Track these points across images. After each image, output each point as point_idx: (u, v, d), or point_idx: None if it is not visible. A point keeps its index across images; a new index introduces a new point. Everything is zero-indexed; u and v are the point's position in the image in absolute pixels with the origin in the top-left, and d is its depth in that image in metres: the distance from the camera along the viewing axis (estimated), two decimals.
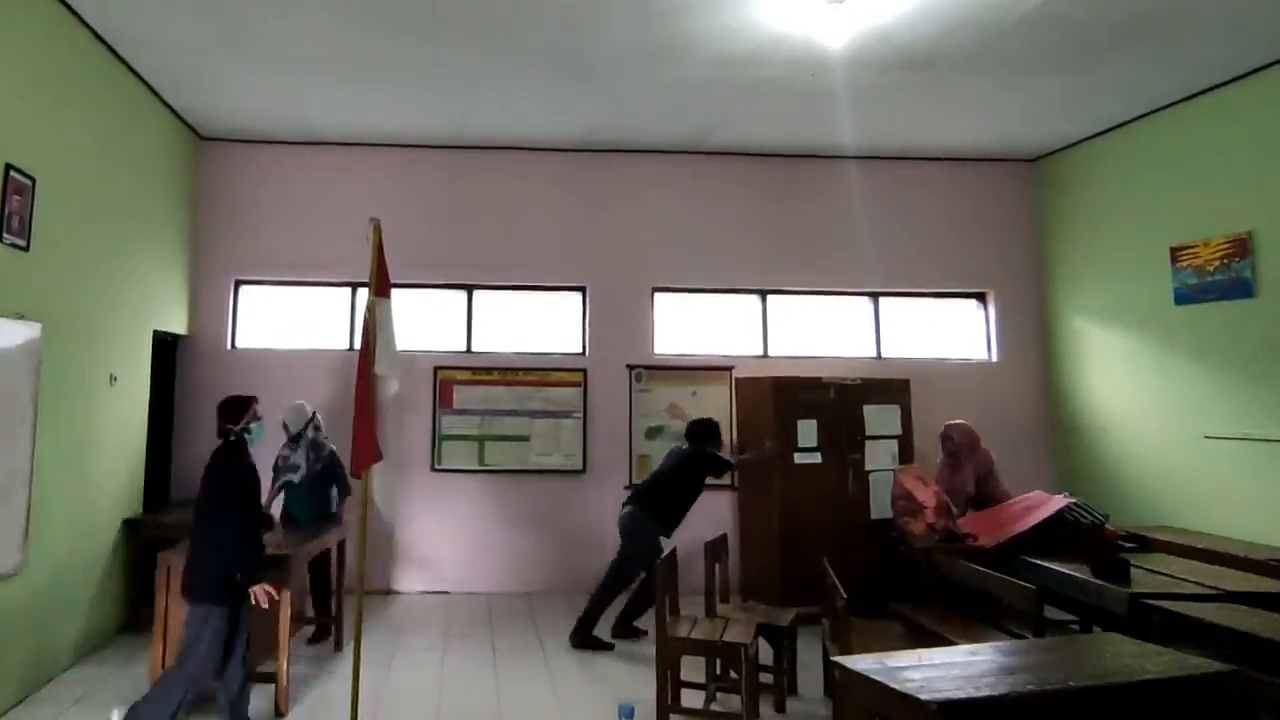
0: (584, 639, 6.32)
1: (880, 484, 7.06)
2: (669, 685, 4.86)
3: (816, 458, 7.24)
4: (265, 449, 5.16)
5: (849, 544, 6.88)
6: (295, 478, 6.12)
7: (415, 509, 7.88)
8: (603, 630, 6.45)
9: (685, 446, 6.72)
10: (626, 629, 6.56)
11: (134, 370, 6.81)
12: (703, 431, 6.67)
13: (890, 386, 7.51)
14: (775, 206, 8.60)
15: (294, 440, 6.20)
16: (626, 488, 7.98)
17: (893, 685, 2.88)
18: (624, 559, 6.47)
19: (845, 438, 7.32)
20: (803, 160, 8.63)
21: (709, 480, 6.62)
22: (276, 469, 6.14)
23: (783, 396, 7.28)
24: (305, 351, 8.16)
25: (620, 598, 6.57)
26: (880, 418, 7.28)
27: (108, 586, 6.33)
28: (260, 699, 4.96)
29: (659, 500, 6.48)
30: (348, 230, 7.89)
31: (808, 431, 7.25)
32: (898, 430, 7.42)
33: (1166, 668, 3.07)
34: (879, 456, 7.22)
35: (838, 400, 7.32)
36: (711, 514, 7.76)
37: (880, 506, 6.92)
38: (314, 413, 6.29)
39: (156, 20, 5.80)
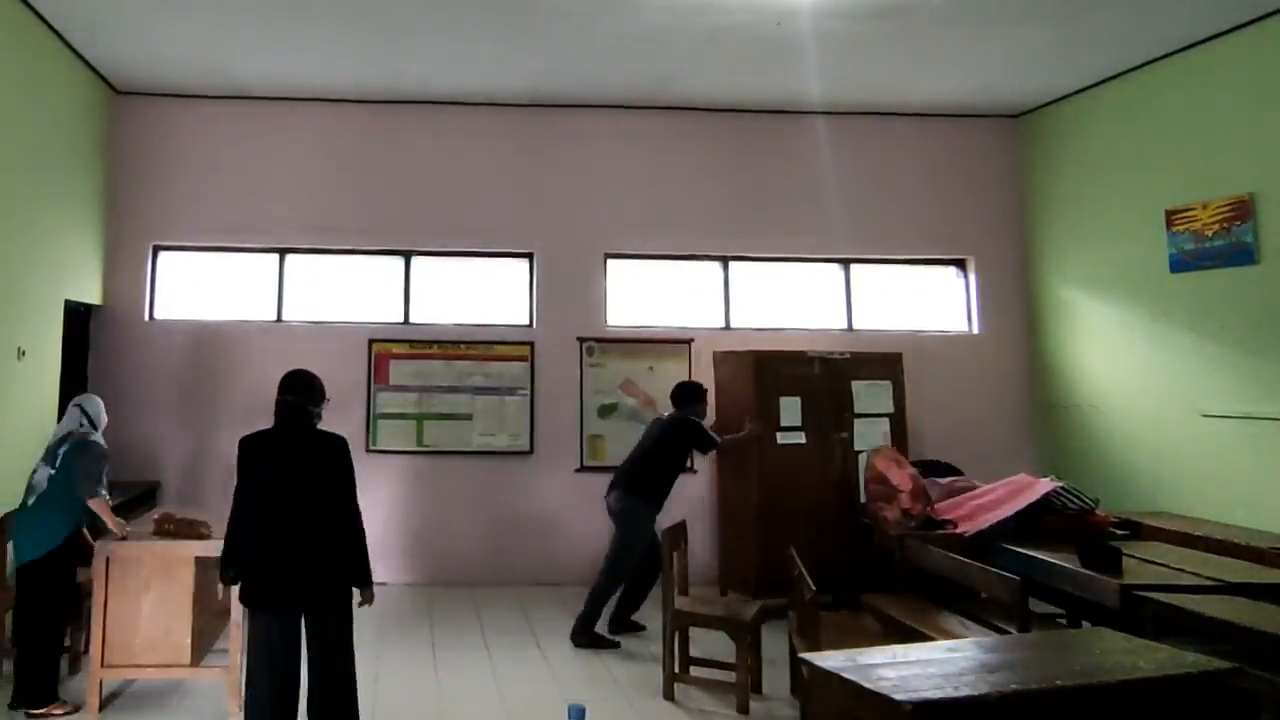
0: (588, 637, 6.09)
1: None
2: (674, 655, 5.18)
3: (800, 438, 7.01)
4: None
5: (835, 530, 6.79)
6: None
7: None
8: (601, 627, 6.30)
9: (667, 415, 6.54)
10: (625, 624, 6.38)
11: (44, 343, 6.58)
12: (687, 394, 6.48)
13: (881, 361, 7.32)
14: (737, 166, 8.36)
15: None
16: (577, 470, 7.86)
17: (865, 684, 2.79)
18: (620, 546, 6.20)
19: (832, 416, 7.10)
20: (767, 116, 8.40)
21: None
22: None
23: (763, 371, 7.05)
24: (229, 323, 7.93)
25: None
26: (870, 394, 7.14)
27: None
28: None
29: (644, 476, 6.27)
30: (275, 192, 7.98)
31: (791, 409, 7.02)
32: (890, 408, 7.22)
33: (1161, 665, 2.98)
34: (870, 436, 7.01)
35: (824, 375, 7.12)
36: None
37: None
38: None
39: None
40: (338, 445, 4.02)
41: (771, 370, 7.05)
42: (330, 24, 6.42)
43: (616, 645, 6.05)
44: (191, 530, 4.97)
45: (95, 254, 7.62)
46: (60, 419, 6.41)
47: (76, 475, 4.81)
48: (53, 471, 4.85)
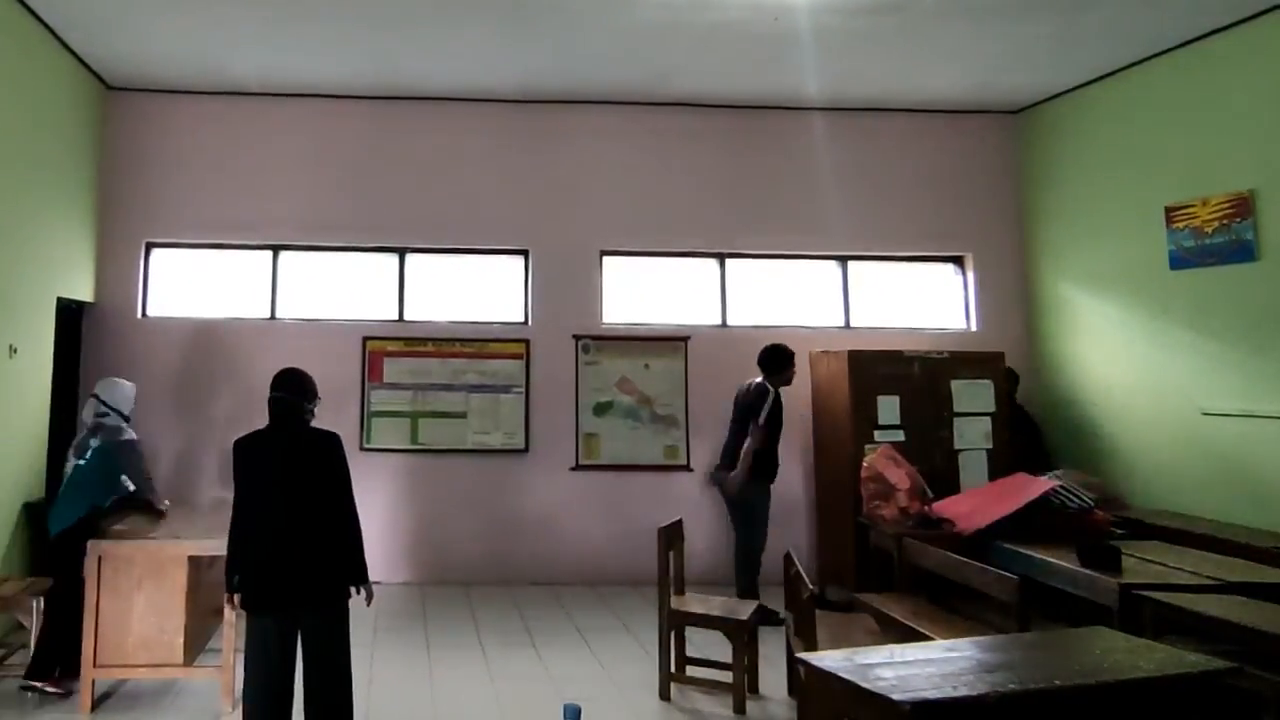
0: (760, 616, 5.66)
1: (971, 464, 6.99)
2: (670, 655, 5.14)
3: (899, 435, 7.02)
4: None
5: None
6: None
7: None
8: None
9: (752, 382, 6.69)
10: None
11: (35, 341, 6.50)
12: (773, 359, 6.63)
13: (982, 360, 7.30)
14: (734, 163, 8.27)
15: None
16: (573, 468, 7.79)
17: (863, 684, 2.80)
18: (747, 526, 6.41)
19: (932, 415, 7.11)
20: (764, 112, 8.30)
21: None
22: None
23: (860, 371, 7.09)
24: (222, 320, 7.84)
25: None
26: (970, 393, 7.15)
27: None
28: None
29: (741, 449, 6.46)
30: (268, 189, 7.91)
31: (889, 408, 7.07)
32: (991, 407, 7.18)
33: (1161, 665, 2.99)
34: (970, 434, 7.07)
35: (922, 374, 7.14)
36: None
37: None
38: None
39: None
40: (331, 441, 3.99)
41: (868, 369, 7.07)
42: (325, 19, 6.35)
43: (782, 622, 5.72)
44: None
45: (87, 251, 7.53)
46: (51, 417, 6.57)
47: (118, 473, 5.24)
48: (80, 463, 5.17)
